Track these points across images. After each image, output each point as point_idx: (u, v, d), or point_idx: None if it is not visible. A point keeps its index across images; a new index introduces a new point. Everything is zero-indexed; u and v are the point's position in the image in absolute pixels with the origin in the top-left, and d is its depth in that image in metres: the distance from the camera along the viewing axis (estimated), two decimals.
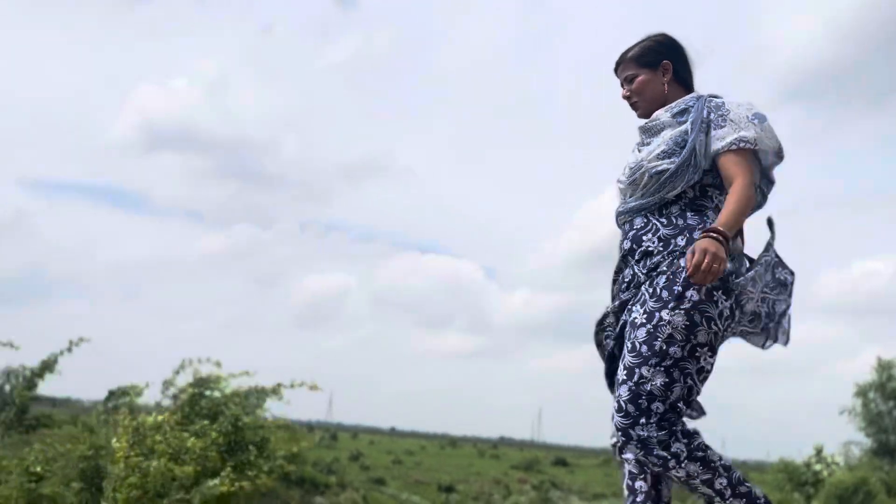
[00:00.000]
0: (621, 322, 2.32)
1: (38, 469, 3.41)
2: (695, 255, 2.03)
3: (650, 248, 2.26)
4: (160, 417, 4.07)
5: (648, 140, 2.38)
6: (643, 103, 2.44)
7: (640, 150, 2.39)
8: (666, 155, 2.28)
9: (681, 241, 2.22)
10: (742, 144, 2.23)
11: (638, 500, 2.29)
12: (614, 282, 2.41)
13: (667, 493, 2.35)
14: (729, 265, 2.16)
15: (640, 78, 2.43)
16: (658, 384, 2.13)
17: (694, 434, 2.17)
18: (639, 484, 2.29)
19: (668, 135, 2.32)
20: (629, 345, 2.20)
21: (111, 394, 4.50)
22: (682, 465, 2.12)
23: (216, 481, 3.93)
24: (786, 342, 2.41)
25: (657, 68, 2.42)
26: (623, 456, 2.32)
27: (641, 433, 2.12)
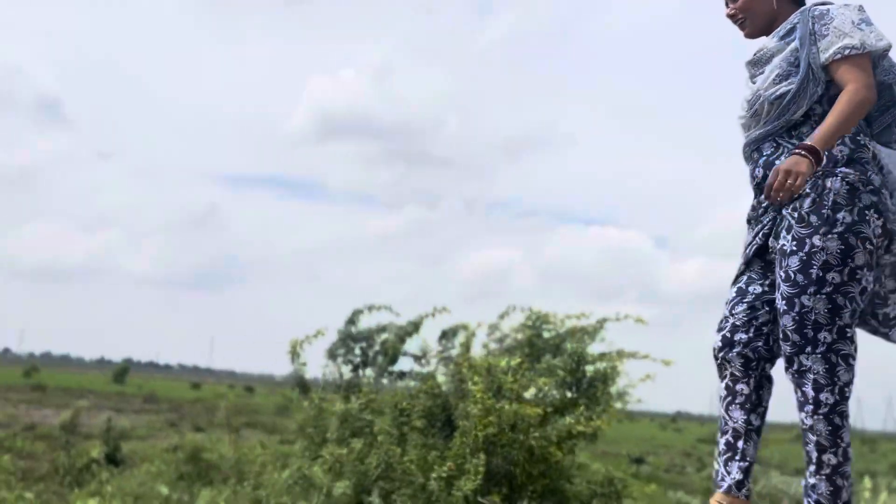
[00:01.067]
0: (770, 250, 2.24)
1: (405, 405, 3.60)
2: (777, 174, 2.00)
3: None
4: (513, 362, 4.03)
5: (760, 71, 2.30)
6: (752, 20, 2.34)
7: (753, 82, 2.30)
8: (782, 77, 2.21)
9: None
10: (847, 52, 2.14)
11: (737, 401, 2.28)
12: (749, 221, 2.33)
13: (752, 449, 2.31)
14: (877, 178, 2.12)
15: None
16: (822, 312, 2.08)
17: (845, 400, 2.10)
18: (740, 386, 2.28)
19: (778, 59, 2.23)
20: (782, 274, 2.13)
21: (444, 334, 4.57)
22: (817, 416, 2.10)
23: (569, 419, 3.78)
24: None
25: None
26: (727, 356, 2.28)
27: (806, 362, 2.09)
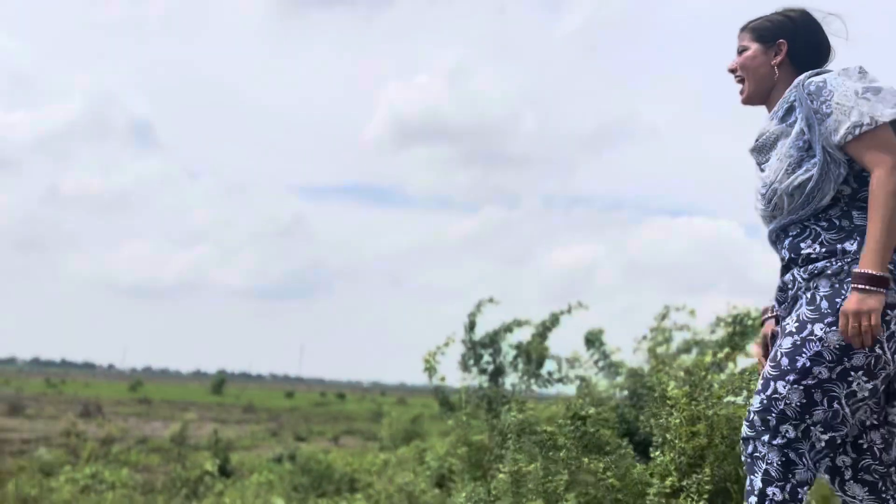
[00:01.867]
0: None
1: (588, 412, 3.32)
2: (846, 319, 1.80)
3: (812, 254, 1.96)
4: (719, 354, 3.73)
5: (766, 157, 2.09)
6: (749, 81, 2.18)
7: (762, 170, 2.10)
8: (795, 165, 1.99)
9: (851, 246, 1.90)
10: (858, 131, 1.89)
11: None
12: (779, 302, 2.11)
13: None
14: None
15: (748, 52, 2.18)
16: (795, 403, 1.88)
17: (796, 501, 1.87)
18: (771, 490, 1.91)
19: (785, 144, 2.01)
20: (772, 352, 1.99)
21: (588, 339, 4.31)
22: None
23: None
24: None
25: (771, 46, 2.15)
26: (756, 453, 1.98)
27: (759, 451, 1.91)
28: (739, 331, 3.86)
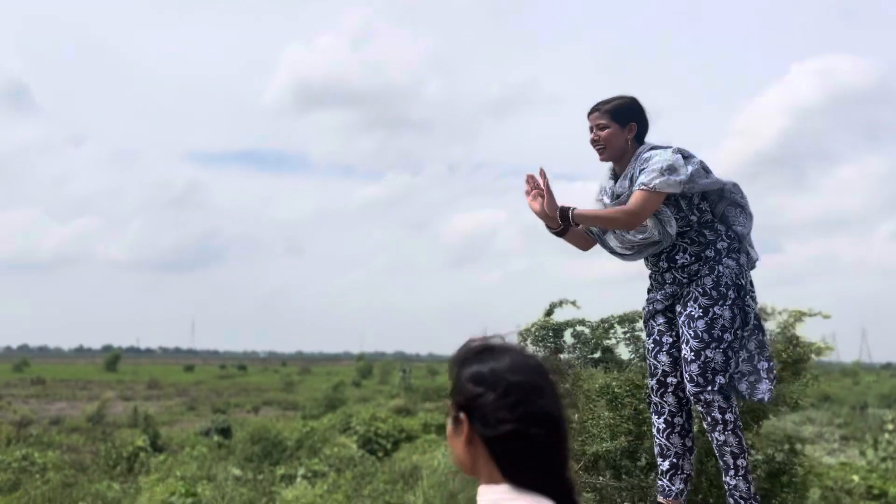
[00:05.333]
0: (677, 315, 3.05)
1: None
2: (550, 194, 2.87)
3: (685, 263, 2.98)
4: None
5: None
6: (609, 150, 3.01)
7: None
8: (643, 227, 2.92)
9: (710, 252, 2.96)
10: (641, 187, 2.85)
11: (675, 430, 3.02)
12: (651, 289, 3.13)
13: (689, 467, 3.04)
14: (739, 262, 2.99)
15: (610, 130, 2.98)
16: (719, 361, 2.87)
17: (738, 418, 2.90)
18: (678, 419, 3.04)
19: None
20: (691, 332, 2.91)
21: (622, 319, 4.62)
22: (727, 432, 2.86)
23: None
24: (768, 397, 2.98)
25: (625, 126, 2.99)
26: (664, 398, 3.05)
27: (708, 397, 2.86)
28: None
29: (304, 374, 53.60)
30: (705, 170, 2.95)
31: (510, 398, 1.23)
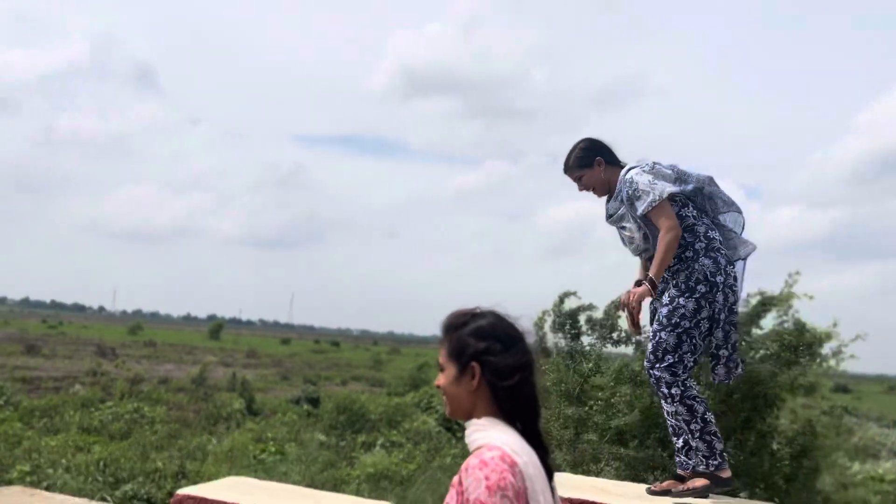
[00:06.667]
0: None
1: None
2: (629, 294, 3.16)
3: (670, 264, 3.26)
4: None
5: (621, 225, 3.39)
6: (597, 190, 3.41)
7: (624, 228, 3.38)
8: (632, 229, 3.29)
9: (688, 253, 3.26)
10: (649, 206, 3.19)
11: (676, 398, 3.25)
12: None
13: None
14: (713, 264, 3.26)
15: (584, 177, 3.39)
16: (671, 343, 3.17)
17: (690, 388, 3.17)
18: (672, 373, 3.25)
19: (631, 225, 3.31)
20: (656, 318, 3.24)
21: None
22: (676, 403, 3.15)
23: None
24: (737, 373, 3.24)
25: (592, 165, 3.37)
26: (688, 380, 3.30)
27: (657, 373, 3.18)
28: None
29: (393, 353, 55.02)
30: (682, 173, 3.33)
31: (514, 348, 1.57)
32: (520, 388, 1.56)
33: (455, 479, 1.50)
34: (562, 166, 3.46)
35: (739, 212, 3.40)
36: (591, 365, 3.71)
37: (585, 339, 4.14)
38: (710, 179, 3.39)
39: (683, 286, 3.21)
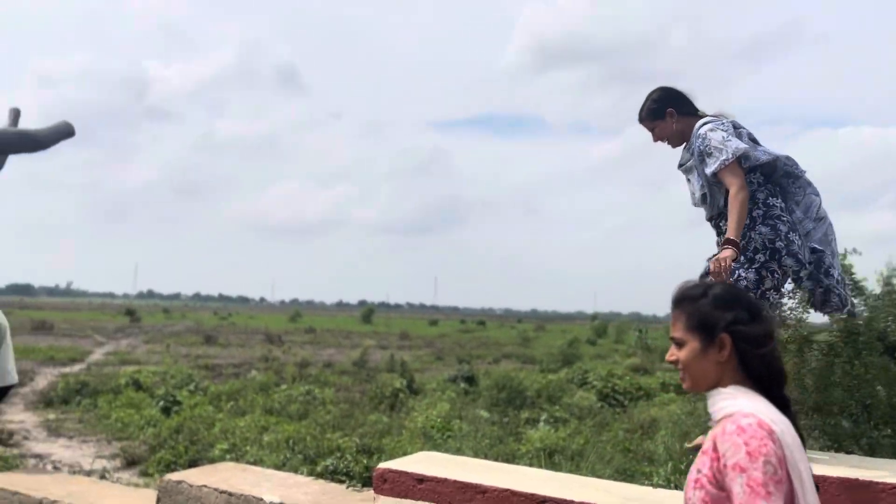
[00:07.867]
0: None
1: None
2: (716, 261, 2.99)
3: (726, 230, 3.14)
4: None
5: (689, 175, 3.35)
6: (672, 140, 3.37)
7: (689, 182, 3.36)
8: (698, 183, 3.23)
9: (746, 221, 3.11)
10: (721, 165, 3.12)
11: None
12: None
13: None
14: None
15: (656, 129, 3.38)
16: (752, 280, 3.04)
17: None
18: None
19: (695, 179, 3.28)
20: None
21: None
22: None
23: None
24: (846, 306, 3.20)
25: (664, 117, 3.34)
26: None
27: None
28: None
29: (538, 331, 55.05)
30: (753, 140, 3.22)
31: (759, 316, 1.57)
32: (772, 354, 1.56)
33: (706, 445, 1.52)
34: (636, 117, 3.41)
35: (817, 194, 3.25)
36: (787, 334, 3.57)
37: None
38: (788, 158, 3.23)
39: (742, 257, 3.08)
